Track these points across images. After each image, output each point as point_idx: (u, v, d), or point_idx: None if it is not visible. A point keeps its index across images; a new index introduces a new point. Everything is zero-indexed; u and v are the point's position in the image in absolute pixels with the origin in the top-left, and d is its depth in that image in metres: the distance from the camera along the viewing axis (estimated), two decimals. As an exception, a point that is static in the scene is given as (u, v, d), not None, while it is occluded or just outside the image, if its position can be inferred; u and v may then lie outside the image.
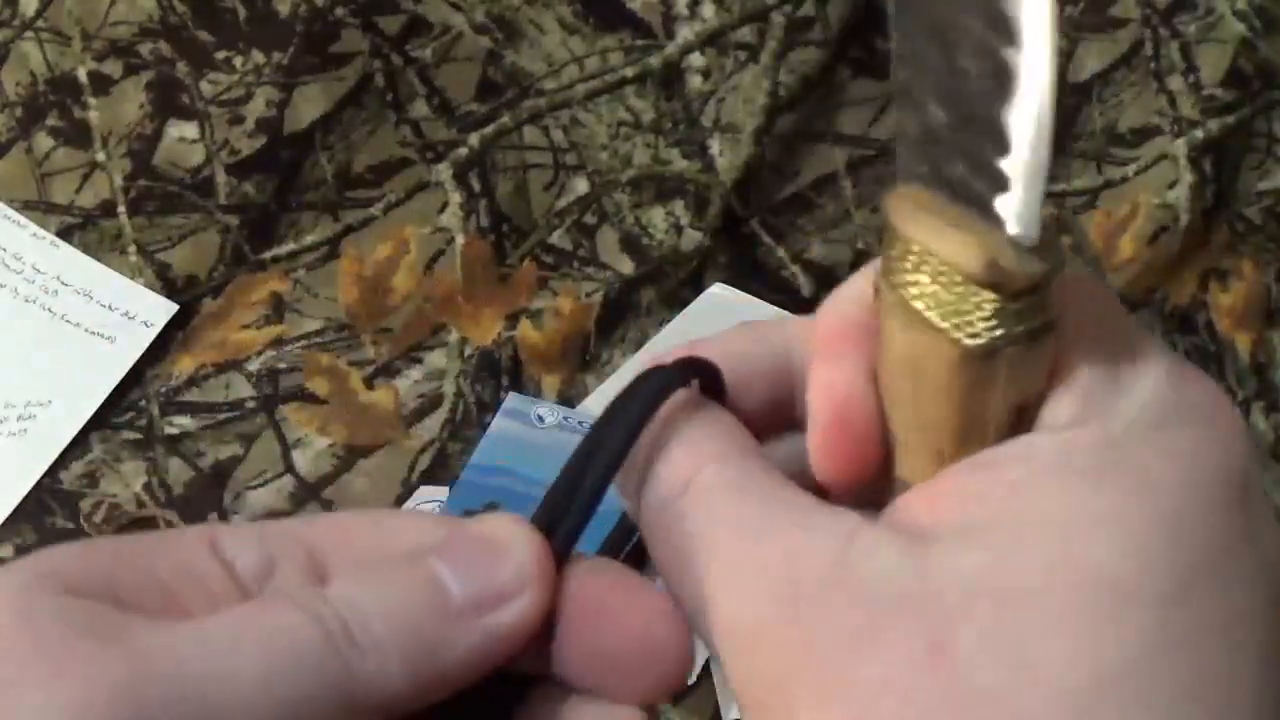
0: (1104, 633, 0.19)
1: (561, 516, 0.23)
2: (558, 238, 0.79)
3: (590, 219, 0.80)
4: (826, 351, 0.23)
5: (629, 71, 0.79)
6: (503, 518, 0.23)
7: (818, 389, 0.23)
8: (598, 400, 0.65)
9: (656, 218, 0.80)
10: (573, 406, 0.65)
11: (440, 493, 0.60)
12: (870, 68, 0.81)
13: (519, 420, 0.63)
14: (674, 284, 0.78)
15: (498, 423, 0.63)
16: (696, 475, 0.22)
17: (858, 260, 0.80)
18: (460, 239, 0.78)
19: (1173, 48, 0.80)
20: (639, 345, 0.70)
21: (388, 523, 0.24)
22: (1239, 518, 0.20)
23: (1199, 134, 0.79)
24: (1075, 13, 0.81)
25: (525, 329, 0.75)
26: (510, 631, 0.22)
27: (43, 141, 0.77)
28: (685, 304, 0.71)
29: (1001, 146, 0.19)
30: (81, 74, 0.76)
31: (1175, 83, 0.80)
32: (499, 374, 0.73)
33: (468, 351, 0.74)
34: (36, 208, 0.77)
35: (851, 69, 0.81)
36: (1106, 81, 0.82)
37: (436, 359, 0.74)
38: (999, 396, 0.21)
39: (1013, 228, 0.20)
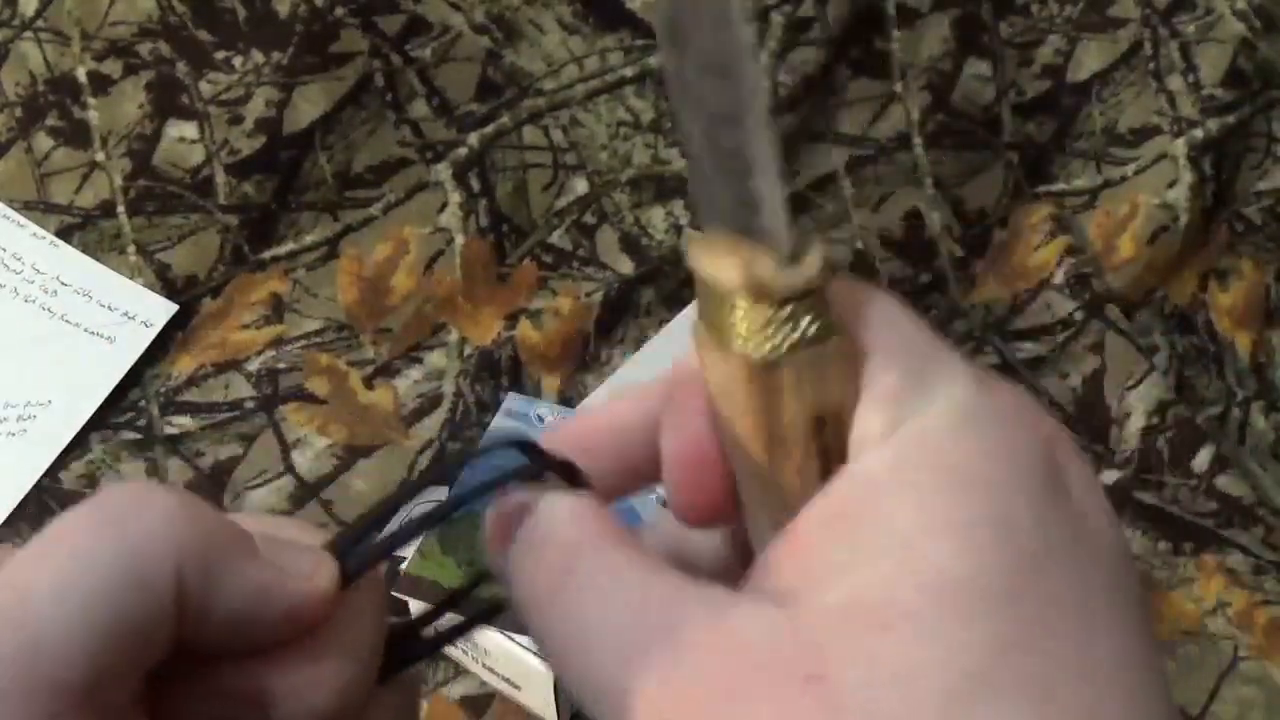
0: (962, 631, 0.20)
1: (359, 544, 0.25)
2: (557, 238, 0.79)
3: (590, 219, 0.80)
4: (674, 401, 0.24)
5: (629, 71, 0.79)
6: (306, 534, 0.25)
7: (665, 437, 0.24)
8: (597, 400, 0.65)
9: (656, 218, 0.80)
10: (572, 406, 0.65)
11: (440, 493, 0.60)
12: (870, 68, 0.81)
13: (519, 420, 0.63)
14: (674, 284, 0.78)
15: (498, 423, 0.63)
16: (572, 570, 0.23)
17: (858, 260, 0.80)
18: (460, 239, 0.78)
19: (1172, 47, 0.80)
20: (639, 345, 0.71)
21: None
22: (1063, 508, 0.21)
23: (1199, 134, 0.79)
24: (1075, 13, 0.81)
25: (525, 329, 0.75)
26: (295, 591, 0.23)
27: (42, 141, 0.77)
28: (685, 304, 0.71)
29: (744, 169, 0.22)
30: (81, 74, 0.76)
31: (1175, 83, 0.80)
32: (499, 374, 0.73)
33: (467, 351, 0.74)
34: (36, 208, 0.77)
35: (851, 69, 0.81)
36: (1106, 81, 0.82)
37: (436, 359, 0.74)
38: (794, 406, 0.22)
39: (772, 243, 0.22)
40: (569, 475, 0.25)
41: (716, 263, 0.22)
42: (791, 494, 0.22)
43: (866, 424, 0.22)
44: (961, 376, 0.22)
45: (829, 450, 0.22)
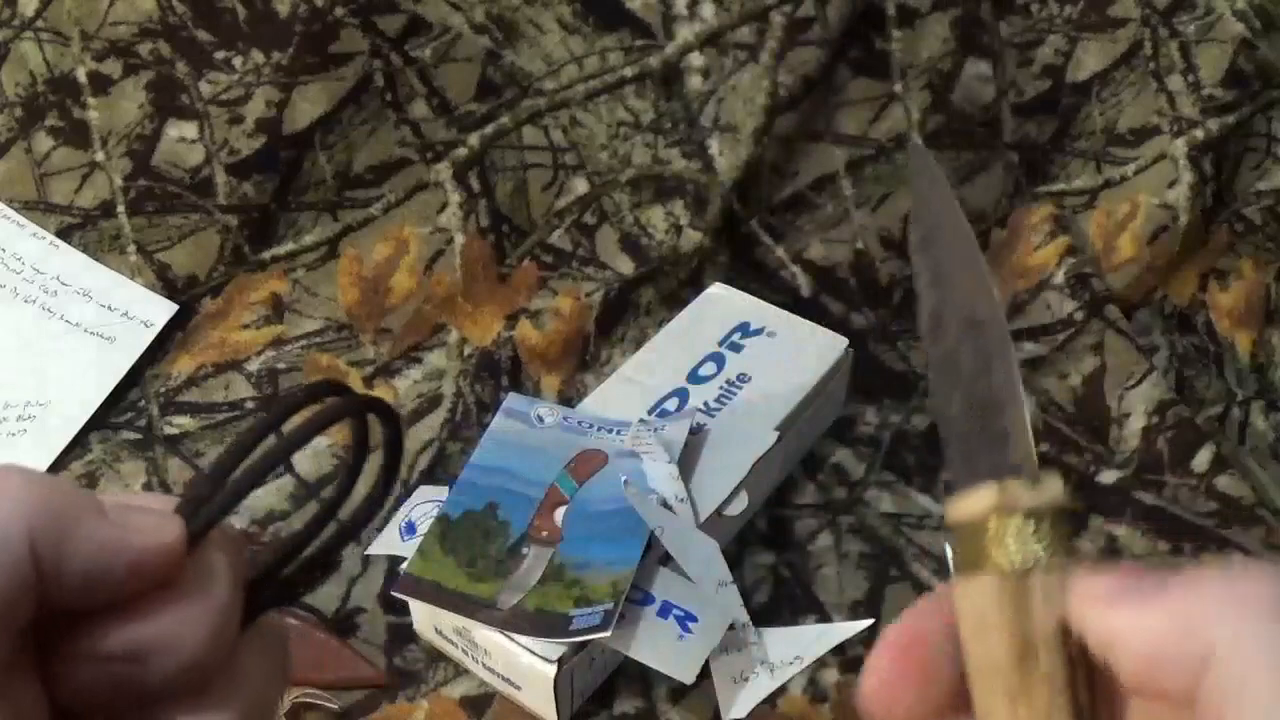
0: None
1: (205, 500, 0.27)
2: (557, 238, 0.79)
3: (590, 219, 0.80)
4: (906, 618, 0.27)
5: (628, 71, 0.79)
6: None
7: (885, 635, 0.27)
8: (597, 400, 0.65)
9: (656, 218, 0.80)
10: (572, 406, 0.65)
11: (440, 492, 0.60)
12: (870, 68, 0.81)
13: (519, 420, 0.63)
14: (673, 284, 0.78)
15: (497, 423, 0.63)
16: None
17: (857, 260, 0.80)
18: (460, 239, 0.78)
19: (1172, 47, 0.80)
20: (639, 345, 0.70)
21: None
22: None
23: (1198, 134, 0.79)
24: (1075, 13, 0.81)
25: (525, 329, 0.75)
26: (141, 545, 0.25)
27: (42, 141, 0.77)
28: (685, 304, 0.71)
29: (996, 409, 0.27)
30: (81, 74, 0.76)
31: (1175, 82, 0.80)
32: (499, 374, 0.73)
33: (467, 351, 0.74)
34: (36, 208, 0.77)
35: (851, 69, 0.81)
36: (1106, 81, 0.82)
37: (436, 359, 0.74)
38: (1044, 613, 0.25)
39: (1021, 470, 0.26)
40: (384, 412, 0.28)
41: (971, 498, 0.26)
42: (1041, 703, 0.25)
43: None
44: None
45: (1073, 660, 0.25)
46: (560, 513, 0.57)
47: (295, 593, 0.29)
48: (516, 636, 0.52)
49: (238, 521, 0.65)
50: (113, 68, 0.77)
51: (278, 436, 0.28)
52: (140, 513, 0.26)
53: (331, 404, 0.28)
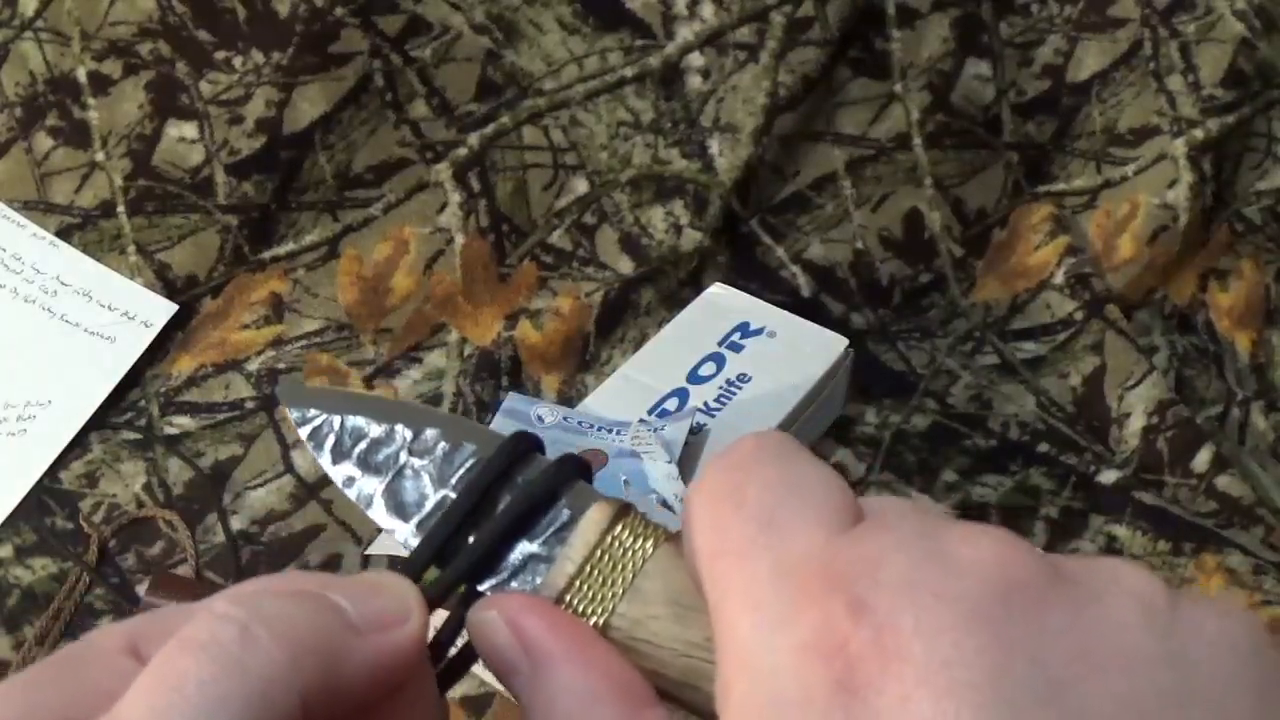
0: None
1: (426, 566, 0.27)
2: (557, 238, 0.79)
3: (590, 219, 0.80)
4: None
5: (628, 71, 0.79)
6: (378, 572, 0.26)
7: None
8: (597, 400, 0.65)
9: (656, 218, 0.80)
10: (572, 406, 0.65)
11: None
12: (870, 67, 0.81)
13: (519, 420, 0.63)
14: (673, 284, 0.78)
15: (497, 423, 0.63)
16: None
17: (857, 260, 0.80)
18: (460, 239, 0.78)
19: (1172, 48, 0.80)
20: (639, 345, 0.71)
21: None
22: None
23: (1198, 134, 0.79)
24: (1075, 13, 0.81)
25: (525, 329, 0.75)
26: (400, 651, 0.24)
27: (42, 141, 0.77)
28: (685, 304, 0.71)
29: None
30: (81, 74, 0.76)
31: (1175, 83, 0.80)
32: (499, 374, 0.73)
33: (467, 351, 0.74)
34: (36, 208, 0.77)
35: (851, 69, 0.81)
36: (1106, 81, 0.82)
37: (436, 359, 0.74)
38: (656, 633, 0.25)
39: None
40: (584, 472, 0.27)
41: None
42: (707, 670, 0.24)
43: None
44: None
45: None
46: (560, 513, 0.57)
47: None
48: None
49: (237, 522, 0.65)
50: (113, 68, 0.77)
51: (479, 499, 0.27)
52: (378, 598, 0.25)
53: (557, 474, 0.27)
